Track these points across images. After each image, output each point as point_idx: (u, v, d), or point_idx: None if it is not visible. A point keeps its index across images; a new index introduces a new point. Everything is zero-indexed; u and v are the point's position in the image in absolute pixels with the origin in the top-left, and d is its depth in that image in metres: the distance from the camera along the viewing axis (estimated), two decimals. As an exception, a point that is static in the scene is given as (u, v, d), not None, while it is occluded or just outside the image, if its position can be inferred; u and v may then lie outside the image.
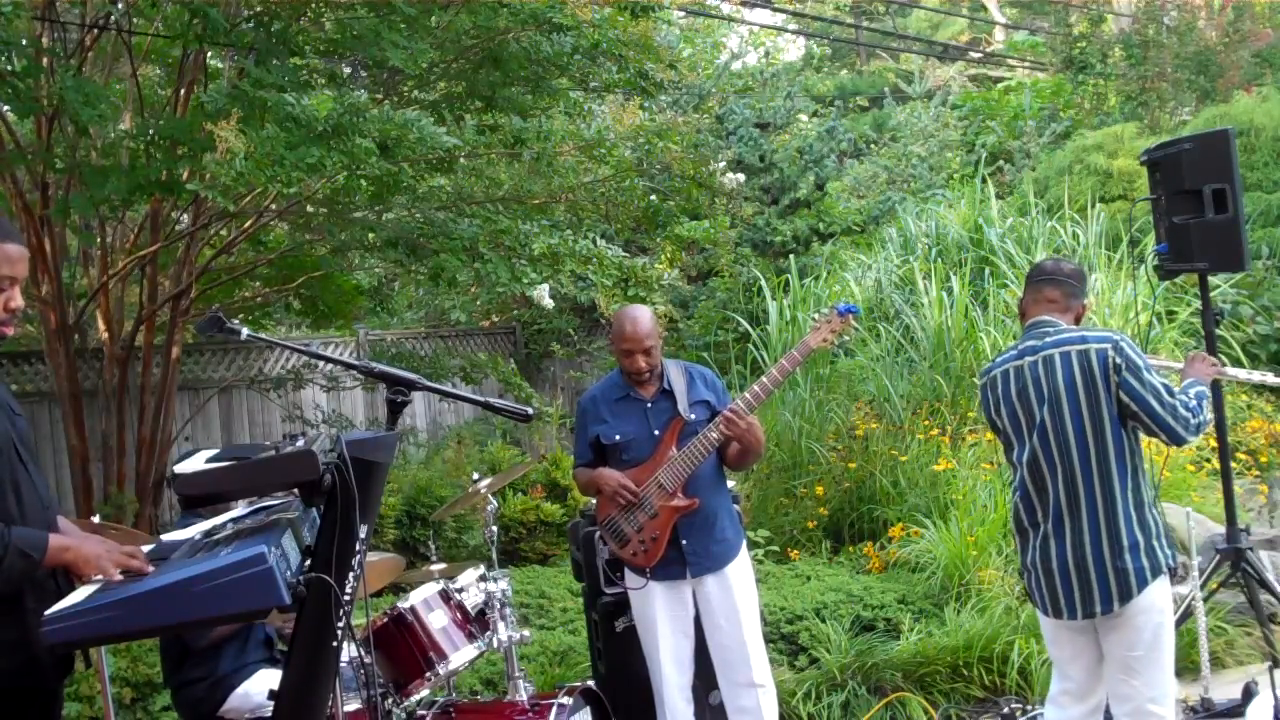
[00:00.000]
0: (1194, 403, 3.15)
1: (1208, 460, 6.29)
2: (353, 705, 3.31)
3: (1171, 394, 3.13)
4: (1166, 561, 3.14)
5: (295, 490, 2.25)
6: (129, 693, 4.60)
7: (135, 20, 5.75)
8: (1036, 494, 3.26)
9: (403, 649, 3.58)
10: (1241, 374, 3.99)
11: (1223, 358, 3.58)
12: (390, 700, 3.54)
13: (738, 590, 3.75)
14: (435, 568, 4.09)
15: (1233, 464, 4.79)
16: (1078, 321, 3.38)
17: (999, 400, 3.35)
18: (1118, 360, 3.13)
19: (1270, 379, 3.98)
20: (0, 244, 2.37)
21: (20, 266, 2.41)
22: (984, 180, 9.96)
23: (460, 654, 3.63)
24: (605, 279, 6.89)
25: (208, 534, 2.40)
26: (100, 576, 2.19)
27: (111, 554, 2.22)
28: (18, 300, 2.42)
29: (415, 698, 3.59)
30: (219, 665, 3.52)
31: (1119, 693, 3.22)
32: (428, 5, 5.31)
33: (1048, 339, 3.27)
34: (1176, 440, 3.14)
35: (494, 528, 4.04)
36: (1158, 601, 3.13)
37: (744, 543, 3.91)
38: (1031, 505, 3.28)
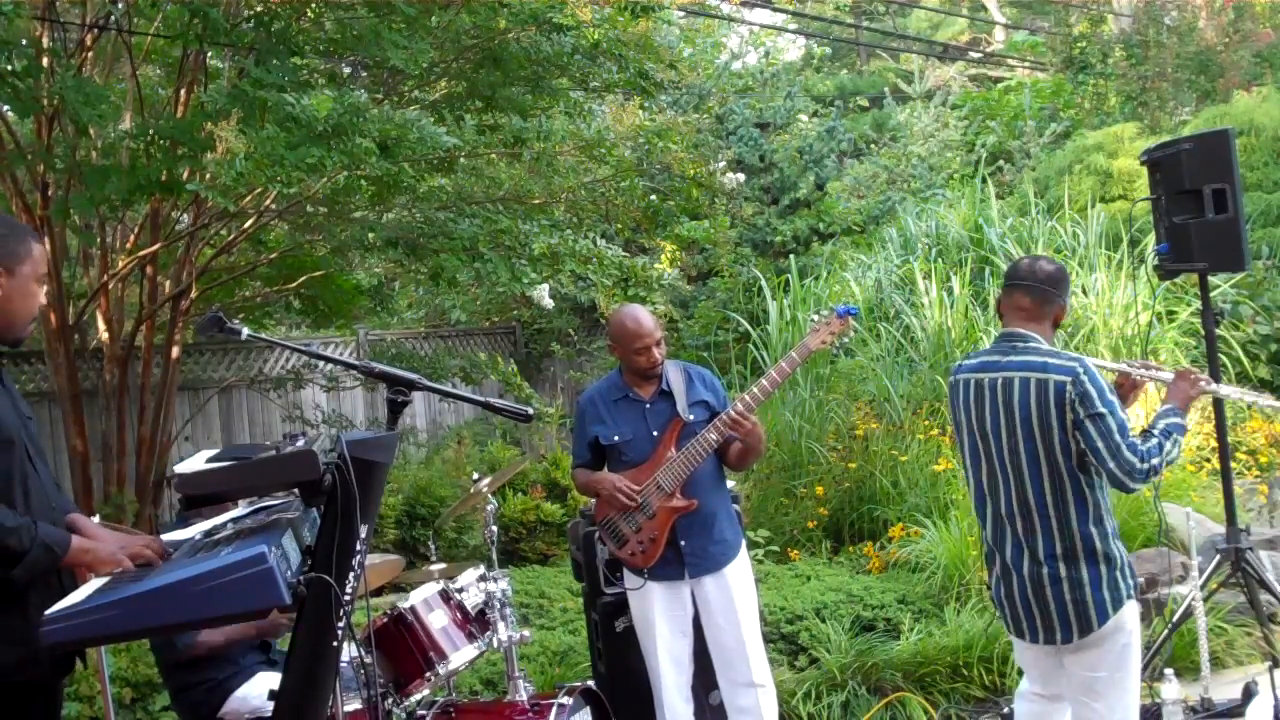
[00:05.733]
0: (1153, 443, 2.97)
1: (1208, 460, 6.29)
2: (353, 705, 3.31)
3: (1124, 433, 2.95)
4: (1128, 592, 3.04)
5: (295, 490, 2.26)
6: (129, 693, 4.60)
7: (135, 20, 5.75)
8: (993, 518, 3.17)
9: (403, 649, 3.58)
10: (1231, 391, 3.68)
11: (1208, 378, 3.28)
12: (390, 700, 3.54)
13: (736, 591, 3.75)
14: (435, 568, 4.09)
15: (1233, 464, 4.79)
16: (1056, 325, 3.21)
17: (960, 408, 3.24)
18: (1074, 396, 2.96)
19: (1263, 399, 3.65)
20: (35, 244, 2.47)
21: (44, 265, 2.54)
22: (984, 180, 9.95)
23: (460, 654, 3.62)
24: (605, 279, 6.90)
25: (208, 534, 2.41)
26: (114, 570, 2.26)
27: (126, 549, 2.30)
28: (42, 297, 2.55)
29: (415, 698, 3.59)
30: (217, 669, 3.53)
31: (1080, 715, 3.13)
32: (428, 5, 5.31)
33: (1011, 357, 3.11)
34: (1121, 488, 2.98)
35: (494, 528, 4.04)
36: (1126, 624, 3.04)
37: (743, 543, 3.91)
38: (989, 525, 3.20)
